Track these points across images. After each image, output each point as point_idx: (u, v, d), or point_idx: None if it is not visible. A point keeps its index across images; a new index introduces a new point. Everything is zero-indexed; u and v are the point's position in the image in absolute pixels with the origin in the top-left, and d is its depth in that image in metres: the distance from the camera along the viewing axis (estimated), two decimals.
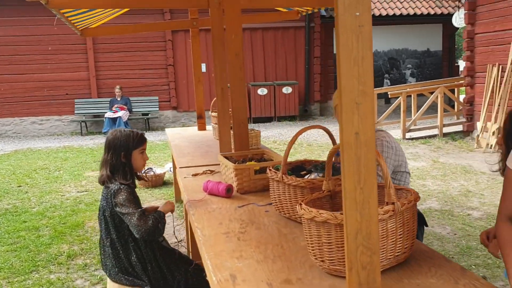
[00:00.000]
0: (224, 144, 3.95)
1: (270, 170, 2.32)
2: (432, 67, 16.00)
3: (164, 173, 7.09)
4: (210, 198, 2.70)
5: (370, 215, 1.41)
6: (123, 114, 12.43)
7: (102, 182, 2.62)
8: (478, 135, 9.12)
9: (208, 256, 1.88)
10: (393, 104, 11.35)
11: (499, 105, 8.70)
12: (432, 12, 15.09)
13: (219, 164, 3.61)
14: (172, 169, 6.60)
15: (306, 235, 1.69)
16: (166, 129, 6.75)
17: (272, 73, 14.48)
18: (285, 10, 4.82)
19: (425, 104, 10.43)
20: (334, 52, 13.90)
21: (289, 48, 14.49)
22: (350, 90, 1.36)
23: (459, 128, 10.35)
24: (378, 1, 15.28)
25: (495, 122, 8.72)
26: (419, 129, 10.58)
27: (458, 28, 16.44)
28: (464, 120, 10.12)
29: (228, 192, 2.70)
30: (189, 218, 2.52)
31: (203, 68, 12.80)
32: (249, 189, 2.78)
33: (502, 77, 8.74)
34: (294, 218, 2.20)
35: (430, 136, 10.27)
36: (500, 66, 8.82)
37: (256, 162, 2.88)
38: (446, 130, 10.33)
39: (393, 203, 1.59)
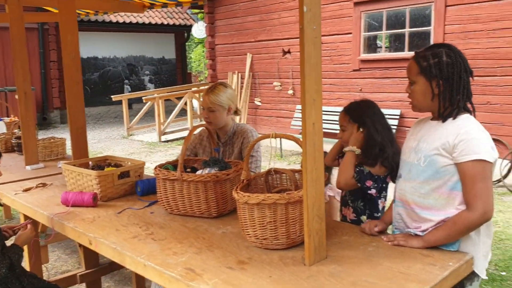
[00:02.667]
0: (31, 155, 3.60)
1: (158, 169, 2.37)
2: (168, 74, 17.01)
3: None
4: (76, 210, 2.53)
5: (320, 191, 1.74)
6: None
7: None
8: None
9: (143, 258, 1.86)
10: (143, 109, 11.70)
11: (242, 107, 10.05)
12: (165, 22, 16.03)
13: (45, 176, 3.31)
14: None
15: (246, 220, 1.89)
16: None
17: (1, 77, 12.87)
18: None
19: (176, 107, 11.14)
20: None
21: None
22: (308, 90, 1.66)
23: None
24: None
25: (239, 122, 10.04)
26: (172, 132, 11.22)
27: (188, 39, 17.94)
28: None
29: (94, 201, 2.58)
30: (68, 231, 2.32)
31: None
32: (112, 196, 2.70)
33: (242, 83, 10.12)
34: (192, 214, 2.32)
35: (183, 138, 11.03)
36: (239, 74, 10.20)
37: (115, 168, 2.81)
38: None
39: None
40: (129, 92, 15.20)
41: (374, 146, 2.26)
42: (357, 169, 2.26)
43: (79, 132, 2.96)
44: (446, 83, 1.87)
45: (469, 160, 1.79)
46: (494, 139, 4.92)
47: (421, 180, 1.92)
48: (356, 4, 7.85)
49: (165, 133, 10.91)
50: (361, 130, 2.30)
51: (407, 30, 7.32)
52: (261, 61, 9.77)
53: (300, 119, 8.88)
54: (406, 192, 1.99)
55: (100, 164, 2.98)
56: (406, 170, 2.01)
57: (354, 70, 8.04)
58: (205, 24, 10.97)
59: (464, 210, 1.83)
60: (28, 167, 3.56)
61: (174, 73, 17.15)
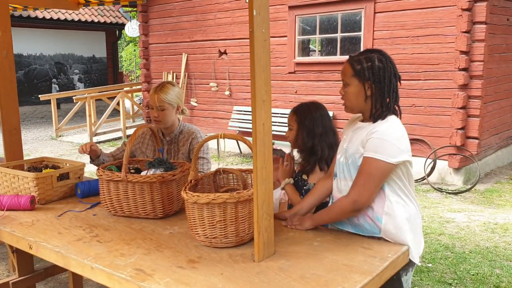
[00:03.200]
0: None
1: (101, 170, 2.32)
2: (99, 73, 16.46)
3: None
4: (12, 214, 2.42)
5: (269, 188, 1.80)
6: None
7: None
8: None
9: (90, 261, 1.83)
10: (73, 109, 11.26)
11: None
12: (96, 20, 15.51)
13: None
14: None
15: (196, 219, 1.91)
16: None
17: None
18: None
19: (109, 107, 10.83)
20: None
21: None
22: (259, 91, 1.71)
23: None
24: None
25: None
26: (104, 133, 10.89)
27: (120, 37, 17.48)
28: (144, 122, 11.03)
29: (32, 204, 2.48)
30: (5, 236, 2.21)
31: None
32: (50, 198, 2.61)
33: (177, 83, 10.03)
34: (137, 215, 2.30)
35: (115, 139, 10.75)
36: (174, 74, 10.10)
37: (54, 170, 2.71)
38: (129, 132, 11.02)
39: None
40: (57, 91, 14.56)
41: (305, 150, 2.40)
42: (304, 190, 2.38)
43: (12, 133, 2.82)
44: (378, 86, 2.00)
45: (366, 156, 1.94)
46: (418, 139, 5.29)
47: (350, 178, 2.05)
48: (290, 8, 8.04)
49: (97, 134, 10.57)
50: (286, 163, 2.48)
51: (339, 35, 7.61)
52: (197, 61, 9.74)
53: (238, 120, 8.97)
54: (342, 190, 2.10)
55: (37, 166, 2.86)
56: (340, 170, 2.12)
57: (290, 73, 8.23)
58: (139, 23, 10.75)
59: (343, 197, 2.02)
60: None
61: (105, 72, 16.63)
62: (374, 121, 2.01)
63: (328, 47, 7.87)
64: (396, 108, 2.05)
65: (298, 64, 8.09)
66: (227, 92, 9.23)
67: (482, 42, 6.25)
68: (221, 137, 2.02)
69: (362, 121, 2.10)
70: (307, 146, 2.38)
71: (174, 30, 10.04)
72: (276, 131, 8.24)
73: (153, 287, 1.61)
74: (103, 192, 2.34)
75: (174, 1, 9.91)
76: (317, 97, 7.82)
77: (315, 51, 8.09)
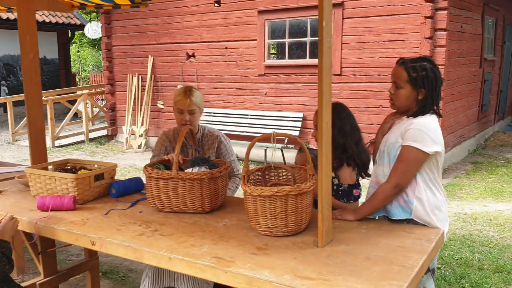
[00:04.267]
0: None
1: (150, 169, 2.44)
2: (50, 74, 15.95)
3: None
4: (57, 214, 2.48)
5: (329, 182, 2.02)
6: None
7: None
8: (127, 138, 10.09)
9: (165, 252, 1.95)
10: None
11: (144, 110, 9.93)
12: (47, 20, 15.04)
13: None
14: None
15: (257, 211, 2.09)
16: None
17: None
18: None
19: (71, 110, 10.60)
20: None
21: None
22: (326, 93, 1.92)
23: (103, 132, 11.05)
24: None
25: (142, 125, 9.91)
26: (66, 136, 10.64)
27: (72, 38, 17.03)
28: (107, 125, 10.88)
29: (74, 204, 2.55)
30: (61, 234, 2.28)
31: None
32: (87, 199, 2.68)
33: (144, 86, 10.00)
34: (185, 210, 2.43)
35: (78, 142, 10.53)
36: (140, 76, 10.06)
37: (88, 170, 2.78)
38: (91, 135, 10.84)
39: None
40: (7, 94, 14.00)
41: (337, 148, 2.61)
42: (340, 191, 2.56)
43: (38, 135, 2.85)
44: (428, 93, 2.27)
45: (405, 145, 2.22)
46: None
47: (386, 164, 2.32)
48: (260, 12, 8.28)
49: (58, 138, 10.31)
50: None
51: (308, 39, 7.93)
52: (164, 64, 9.76)
53: (206, 122, 9.07)
54: (379, 175, 2.37)
55: (62, 167, 2.92)
56: (379, 157, 2.39)
57: (259, 75, 8.47)
58: (100, 24, 10.61)
59: (382, 184, 2.27)
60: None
61: (57, 74, 16.13)
62: (414, 116, 2.28)
63: (298, 50, 8.18)
64: (436, 108, 2.32)
65: (268, 66, 8.34)
66: None
67: (443, 48, 6.77)
68: (273, 136, 2.21)
69: (408, 117, 2.36)
70: (339, 144, 2.58)
71: (139, 33, 10.00)
72: (247, 132, 8.45)
73: (241, 271, 1.78)
74: (151, 190, 2.46)
75: None
76: (288, 99, 8.11)
77: (285, 54, 8.36)
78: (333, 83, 7.44)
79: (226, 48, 8.85)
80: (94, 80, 21.98)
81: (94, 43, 22.43)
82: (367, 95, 7.30)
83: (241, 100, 8.79)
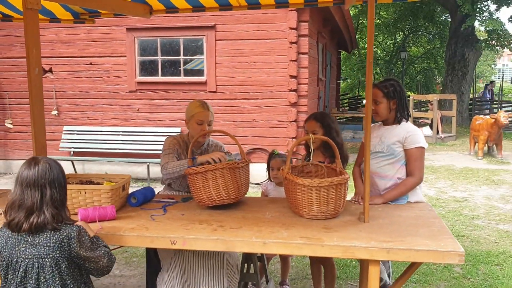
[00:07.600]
0: None
1: (193, 169, 2.67)
2: None
3: None
4: (103, 223, 2.51)
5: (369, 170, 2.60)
6: None
7: (39, 228, 1.93)
8: None
9: (258, 238, 2.27)
10: None
11: None
12: None
13: None
14: None
15: (312, 199, 2.54)
16: None
17: None
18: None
19: None
20: None
21: None
22: (369, 104, 2.51)
23: None
24: None
25: None
26: None
27: None
28: None
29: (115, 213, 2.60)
30: (132, 240, 2.34)
31: None
32: (117, 208, 2.73)
33: None
34: (227, 198, 2.73)
35: None
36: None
37: (112, 182, 2.80)
38: None
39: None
40: None
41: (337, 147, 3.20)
42: None
43: (42, 151, 2.72)
44: (399, 102, 3.02)
45: (414, 147, 2.99)
46: (260, 148, 6.90)
47: (383, 159, 3.02)
48: (129, 29, 8.33)
49: None
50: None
51: (181, 57, 8.31)
52: (13, 80, 8.93)
53: (69, 141, 8.61)
54: (375, 168, 3.05)
55: (71, 181, 2.86)
56: (374, 156, 3.05)
57: (131, 91, 8.47)
58: None
59: (409, 177, 3.02)
60: None
61: None
62: (398, 123, 3.01)
63: (172, 68, 8.45)
64: (406, 113, 3.09)
65: (140, 83, 8.42)
66: (54, 112, 8.78)
67: (306, 69, 7.93)
68: (311, 139, 2.70)
69: (385, 125, 3.07)
70: (338, 144, 3.15)
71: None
72: (119, 149, 8.35)
73: (335, 241, 2.23)
74: (198, 186, 2.69)
75: None
76: (163, 114, 8.34)
77: (158, 71, 8.54)
78: (209, 99, 8.04)
79: (90, 63, 8.61)
80: None
81: None
82: (241, 110, 8.03)
83: (109, 117, 8.64)
